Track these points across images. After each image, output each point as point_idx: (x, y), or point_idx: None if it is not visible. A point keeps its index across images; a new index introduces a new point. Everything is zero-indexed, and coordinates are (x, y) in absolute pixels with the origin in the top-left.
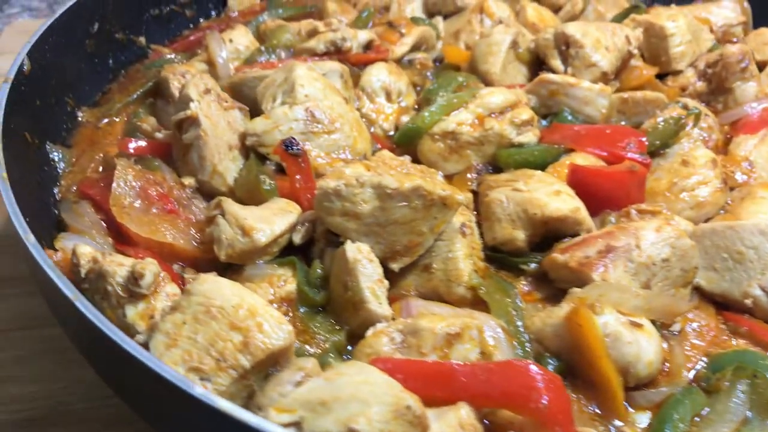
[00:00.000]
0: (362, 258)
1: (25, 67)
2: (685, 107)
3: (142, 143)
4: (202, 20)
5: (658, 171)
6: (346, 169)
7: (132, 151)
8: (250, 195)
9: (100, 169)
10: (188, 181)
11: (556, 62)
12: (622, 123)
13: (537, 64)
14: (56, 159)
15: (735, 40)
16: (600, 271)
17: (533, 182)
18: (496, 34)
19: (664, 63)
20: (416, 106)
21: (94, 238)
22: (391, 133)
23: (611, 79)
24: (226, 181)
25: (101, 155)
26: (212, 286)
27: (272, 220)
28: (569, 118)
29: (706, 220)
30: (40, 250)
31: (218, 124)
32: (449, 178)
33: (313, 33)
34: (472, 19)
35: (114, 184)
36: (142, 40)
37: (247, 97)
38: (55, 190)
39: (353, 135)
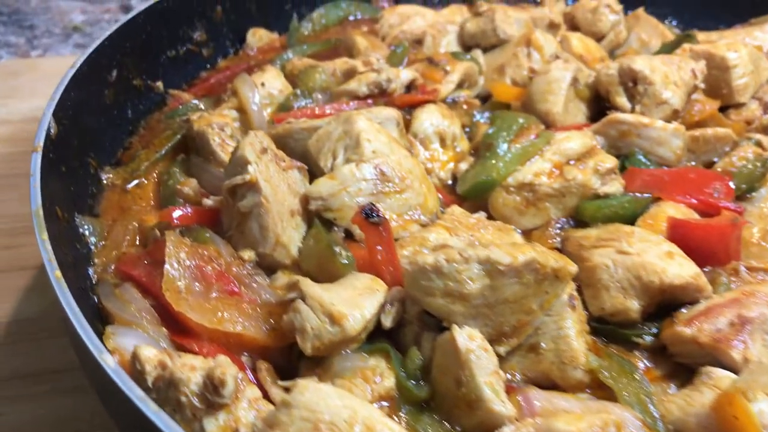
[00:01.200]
0: (475, 347)
1: (52, 131)
2: (759, 144)
3: (188, 211)
4: (219, 60)
5: (747, 218)
6: (429, 234)
7: (176, 221)
8: (320, 269)
9: (137, 241)
10: (248, 254)
11: (622, 100)
12: (692, 163)
13: (596, 101)
14: (87, 233)
15: None
16: (740, 349)
17: (637, 242)
18: (554, 71)
19: (725, 96)
20: (472, 152)
21: (147, 330)
22: (450, 182)
23: (681, 116)
24: (290, 253)
25: (135, 224)
26: (316, 396)
27: (360, 302)
28: (643, 160)
29: None
30: (124, 376)
31: (279, 188)
32: (526, 234)
33: (350, 73)
34: (519, 52)
35: (166, 265)
36: (160, 85)
37: (292, 151)
38: (90, 271)
39: (423, 192)
